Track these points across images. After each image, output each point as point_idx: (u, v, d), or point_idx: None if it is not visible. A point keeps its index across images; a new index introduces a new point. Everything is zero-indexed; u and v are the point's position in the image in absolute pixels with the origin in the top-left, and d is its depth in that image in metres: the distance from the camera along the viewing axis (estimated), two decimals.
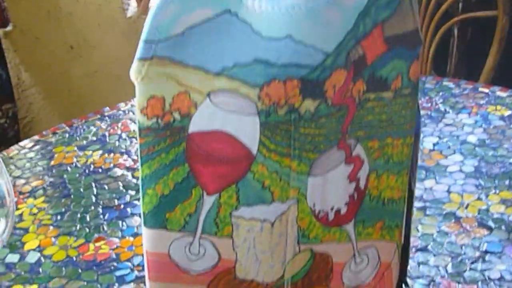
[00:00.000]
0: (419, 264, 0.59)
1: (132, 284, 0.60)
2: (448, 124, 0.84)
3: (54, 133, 0.89)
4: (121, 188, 0.75)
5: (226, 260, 0.43)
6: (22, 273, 0.62)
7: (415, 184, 0.50)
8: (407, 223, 0.50)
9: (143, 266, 0.62)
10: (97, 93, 1.89)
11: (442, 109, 0.88)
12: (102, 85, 1.91)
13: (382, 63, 0.41)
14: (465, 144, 0.79)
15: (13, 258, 0.64)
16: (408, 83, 0.43)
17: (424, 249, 0.61)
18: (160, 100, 0.40)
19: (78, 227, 0.68)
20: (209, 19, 0.39)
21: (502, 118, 0.84)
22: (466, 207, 0.67)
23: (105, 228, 0.68)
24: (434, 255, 0.60)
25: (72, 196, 0.74)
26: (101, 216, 0.70)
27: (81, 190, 0.75)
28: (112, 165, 0.80)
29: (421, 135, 0.81)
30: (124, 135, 0.87)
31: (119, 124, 0.90)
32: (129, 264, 0.62)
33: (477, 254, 0.60)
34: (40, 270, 0.62)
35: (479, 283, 0.56)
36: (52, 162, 0.82)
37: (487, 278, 0.57)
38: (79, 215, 0.70)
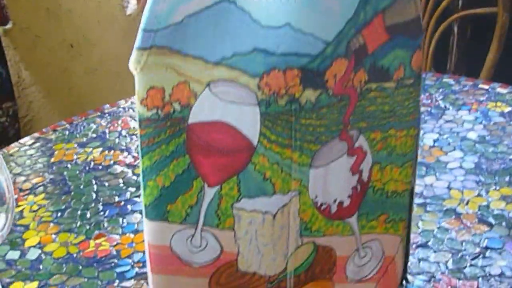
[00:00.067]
0: (419, 260, 0.59)
1: (132, 280, 0.59)
2: (448, 121, 0.84)
3: (54, 130, 0.89)
4: (121, 185, 0.75)
5: (228, 252, 0.43)
6: (23, 269, 0.62)
7: (415, 180, 0.50)
8: (408, 219, 0.50)
9: (143, 262, 0.61)
10: (97, 90, 1.89)
11: (442, 105, 0.88)
12: (102, 82, 1.90)
13: (384, 52, 0.41)
14: (465, 140, 0.79)
15: (13, 255, 0.64)
16: (411, 73, 0.43)
17: (424, 246, 0.61)
18: (160, 90, 0.40)
19: (78, 224, 0.68)
20: (207, 7, 0.39)
21: (502, 114, 0.84)
22: (467, 204, 0.67)
23: (106, 225, 0.68)
24: (435, 252, 0.60)
25: (72, 193, 0.74)
26: (102, 213, 0.70)
27: (81, 187, 0.75)
28: (112, 162, 0.80)
29: (421, 132, 0.81)
30: (124, 132, 0.87)
31: (119, 121, 0.90)
32: (129, 260, 0.62)
33: (478, 250, 0.60)
34: (41, 266, 0.62)
35: (480, 279, 0.56)
36: (52, 159, 0.81)
37: (487, 274, 0.57)
38: (79, 212, 0.70)
